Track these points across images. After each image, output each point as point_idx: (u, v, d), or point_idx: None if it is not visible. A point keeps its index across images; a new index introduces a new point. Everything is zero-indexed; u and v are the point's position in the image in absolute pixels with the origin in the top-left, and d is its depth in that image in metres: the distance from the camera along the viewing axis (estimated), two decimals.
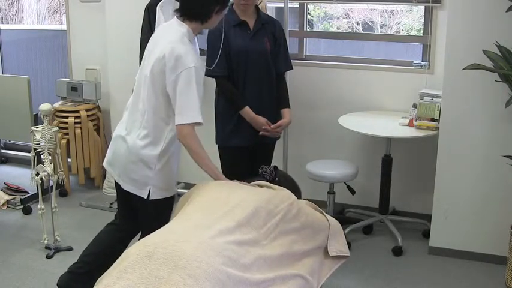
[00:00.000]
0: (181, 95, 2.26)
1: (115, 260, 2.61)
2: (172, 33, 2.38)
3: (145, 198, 2.41)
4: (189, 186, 4.22)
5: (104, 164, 2.62)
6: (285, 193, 2.21)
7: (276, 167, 2.56)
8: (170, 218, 2.50)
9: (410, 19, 5.50)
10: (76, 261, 2.63)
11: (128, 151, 2.41)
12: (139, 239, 2.47)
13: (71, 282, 2.59)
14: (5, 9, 7.05)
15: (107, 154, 2.60)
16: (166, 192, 2.45)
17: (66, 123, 4.31)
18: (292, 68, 3.35)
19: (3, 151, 5.27)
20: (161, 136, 2.37)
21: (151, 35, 2.60)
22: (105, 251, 2.61)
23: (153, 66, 2.33)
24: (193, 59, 2.29)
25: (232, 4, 3.10)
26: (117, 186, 2.55)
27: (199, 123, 2.30)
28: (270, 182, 2.43)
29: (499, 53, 2.95)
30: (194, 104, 2.27)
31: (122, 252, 2.62)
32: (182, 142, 2.31)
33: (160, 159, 2.38)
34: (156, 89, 2.33)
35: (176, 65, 2.26)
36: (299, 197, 2.38)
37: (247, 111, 3.08)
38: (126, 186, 2.46)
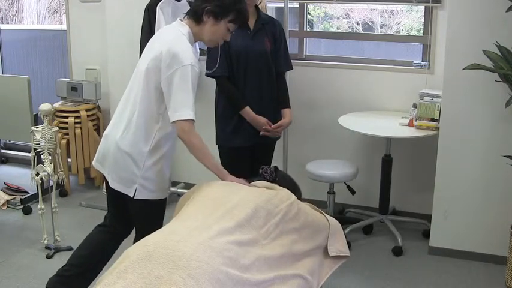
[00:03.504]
0: (177, 91, 2.24)
1: (104, 262, 2.62)
2: (172, 33, 2.39)
3: (131, 196, 2.39)
4: (189, 186, 4.23)
5: (94, 162, 2.59)
6: (284, 193, 2.21)
7: (276, 168, 2.56)
8: (165, 218, 2.50)
9: (410, 19, 5.50)
10: (64, 264, 2.61)
11: (116, 148, 2.39)
12: (134, 239, 2.47)
13: (59, 285, 2.56)
14: (5, 9, 7.05)
15: (96, 152, 2.57)
16: (154, 194, 2.42)
17: (66, 123, 4.31)
18: (292, 68, 3.35)
19: (3, 151, 5.27)
20: (150, 134, 2.35)
21: (151, 35, 2.59)
22: (93, 254, 2.60)
23: (149, 63, 2.32)
24: (190, 57, 2.27)
25: None
26: (107, 186, 2.53)
27: (194, 121, 2.29)
28: (270, 182, 2.43)
29: (499, 53, 2.95)
30: (190, 101, 2.26)
31: (111, 254, 2.63)
32: (183, 138, 2.27)
33: (149, 157, 2.36)
34: (149, 85, 2.32)
35: (172, 62, 2.25)
36: (299, 197, 2.38)
37: (248, 112, 3.09)
38: (113, 184, 2.44)
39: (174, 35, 2.36)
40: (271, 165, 2.58)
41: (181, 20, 2.44)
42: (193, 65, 2.27)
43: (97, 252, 2.61)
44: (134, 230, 2.58)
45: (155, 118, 2.35)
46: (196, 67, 2.29)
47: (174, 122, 2.26)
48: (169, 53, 2.26)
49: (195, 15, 2.38)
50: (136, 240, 2.41)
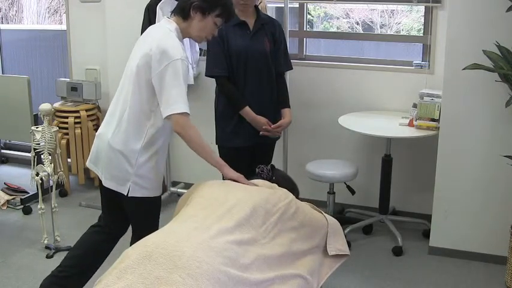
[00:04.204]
0: (169, 86, 2.25)
1: (99, 263, 2.61)
2: (160, 30, 2.40)
3: (125, 194, 2.39)
4: (188, 186, 4.21)
5: (87, 163, 2.59)
6: (282, 192, 2.21)
7: (272, 166, 2.56)
8: (165, 218, 2.49)
9: (410, 19, 5.50)
10: (58, 264, 2.61)
11: (109, 146, 2.39)
12: (131, 238, 2.47)
13: (53, 285, 2.55)
14: (5, 9, 7.05)
15: (90, 153, 2.57)
16: (148, 192, 2.42)
17: (66, 123, 4.31)
18: (292, 68, 3.35)
19: (3, 151, 5.27)
20: (142, 131, 2.35)
21: None
22: (87, 254, 2.59)
23: (139, 60, 2.33)
24: (179, 52, 2.28)
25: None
26: (101, 185, 2.52)
27: (188, 114, 2.29)
28: (267, 181, 2.43)
29: (499, 53, 2.95)
30: (183, 95, 2.27)
31: (107, 254, 2.63)
32: (180, 132, 2.27)
33: (142, 155, 2.36)
34: (140, 83, 2.33)
35: (162, 58, 2.26)
36: (297, 196, 2.38)
37: (248, 112, 3.09)
38: (107, 183, 2.44)
39: (162, 32, 2.37)
40: (269, 164, 2.58)
41: (168, 18, 2.45)
42: (183, 59, 2.28)
43: (91, 252, 2.60)
44: (130, 230, 2.58)
45: (147, 115, 2.35)
46: (186, 61, 2.31)
47: (168, 116, 2.26)
48: (158, 49, 2.27)
49: (182, 12, 2.40)
50: (133, 240, 2.41)
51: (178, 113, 2.25)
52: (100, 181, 2.52)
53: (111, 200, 2.52)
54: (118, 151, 2.37)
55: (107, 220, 2.65)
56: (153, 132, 2.37)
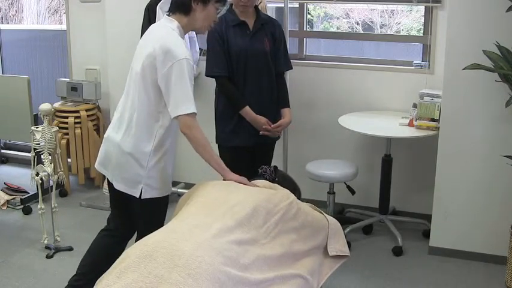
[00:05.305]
0: (176, 87, 2.25)
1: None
2: (162, 30, 2.40)
3: (137, 197, 2.39)
4: (189, 186, 4.22)
5: (96, 165, 2.59)
6: (284, 193, 2.21)
7: (275, 167, 2.56)
8: (166, 217, 2.49)
9: (410, 19, 5.50)
10: (74, 273, 2.61)
11: (119, 150, 2.40)
12: (136, 239, 2.46)
13: None
14: (5, 9, 7.05)
15: (98, 155, 2.57)
16: (159, 192, 2.42)
17: (66, 123, 4.31)
18: (292, 68, 3.35)
19: (3, 151, 5.27)
20: (151, 133, 2.35)
21: None
22: (100, 259, 2.58)
23: (143, 61, 2.32)
24: (183, 51, 2.28)
25: (231, 4, 3.11)
26: (110, 188, 2.53)
27: (195, 114, 2.30)
28: (270, 182, 2.43)
29: (499, 53, 2.95)
30: (190, 95, 2.27)
31: (119, 256, 2.62)
32: (186, 133, 2.27)
33: (153, 157, 2.36)
34: (146, 84, 2.32)
35: (167, 58, 2.26)
36: (299, 197, 2.38)
37: (248, 111, 3.09)
38: (118, 186, 2.44)
39: (165, 31, 2.37)
40: (271, 165, 2.58)
41: (168, 16, 2.45)
42: (188, 59, 2.28)
43: (104, 257, 2.58)
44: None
45: (155, 117, 2.35)
46: (191, 60, 2.31)
47: (176, 117, 2.27)
48: (162, 49, 2.27)
49: (183, 7, 2.40)
50: (138, 239, 2.41)
51: (186, 114, 2.25)
52: (109, 183, 2.52)
53: (121, 202, 2.52)
54: (129, 154, 2.37)
55: (116, 222, 2.65)
56: (162, 133, 2.37)
